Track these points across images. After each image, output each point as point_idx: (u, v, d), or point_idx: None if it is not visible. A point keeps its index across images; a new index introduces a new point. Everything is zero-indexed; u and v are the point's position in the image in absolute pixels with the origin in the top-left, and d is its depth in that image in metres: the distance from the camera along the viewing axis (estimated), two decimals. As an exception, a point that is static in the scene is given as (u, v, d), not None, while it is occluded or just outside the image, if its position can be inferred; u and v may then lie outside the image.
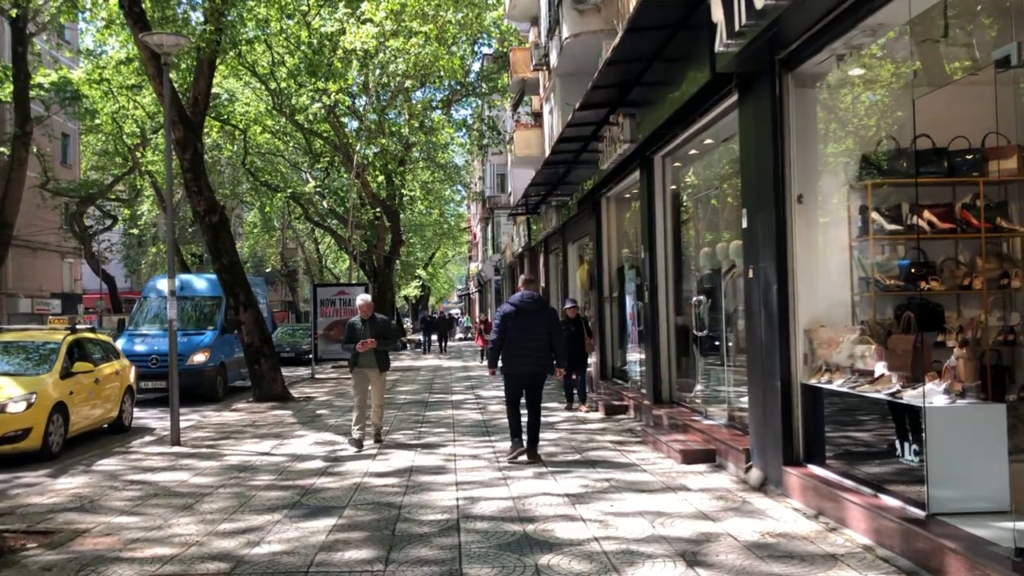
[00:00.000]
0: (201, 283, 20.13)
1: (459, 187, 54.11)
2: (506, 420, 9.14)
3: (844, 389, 6.23)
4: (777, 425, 6.76)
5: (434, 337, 36.48)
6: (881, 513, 5.30)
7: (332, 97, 29.25)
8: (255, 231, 62.04)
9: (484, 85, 37.91)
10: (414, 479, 7.98)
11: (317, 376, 22.39)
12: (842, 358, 6.54)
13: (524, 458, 8.62)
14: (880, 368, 6.08)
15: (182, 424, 11.13)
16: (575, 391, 12.93)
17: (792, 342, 6.73)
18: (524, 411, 8.87)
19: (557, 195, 18.23)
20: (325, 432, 11.48)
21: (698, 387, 10.28)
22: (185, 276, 20.70)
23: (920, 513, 5.11)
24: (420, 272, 67.37)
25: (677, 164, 11.07)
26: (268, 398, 16.01)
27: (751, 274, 7.25)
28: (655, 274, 11.00)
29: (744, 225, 7.41)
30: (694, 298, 9.76)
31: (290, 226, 55.21)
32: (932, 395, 5.28)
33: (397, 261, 59.53)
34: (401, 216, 51.71)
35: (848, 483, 6.02)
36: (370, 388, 10.14)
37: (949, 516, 4.98)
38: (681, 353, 10.97)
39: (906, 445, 5.47)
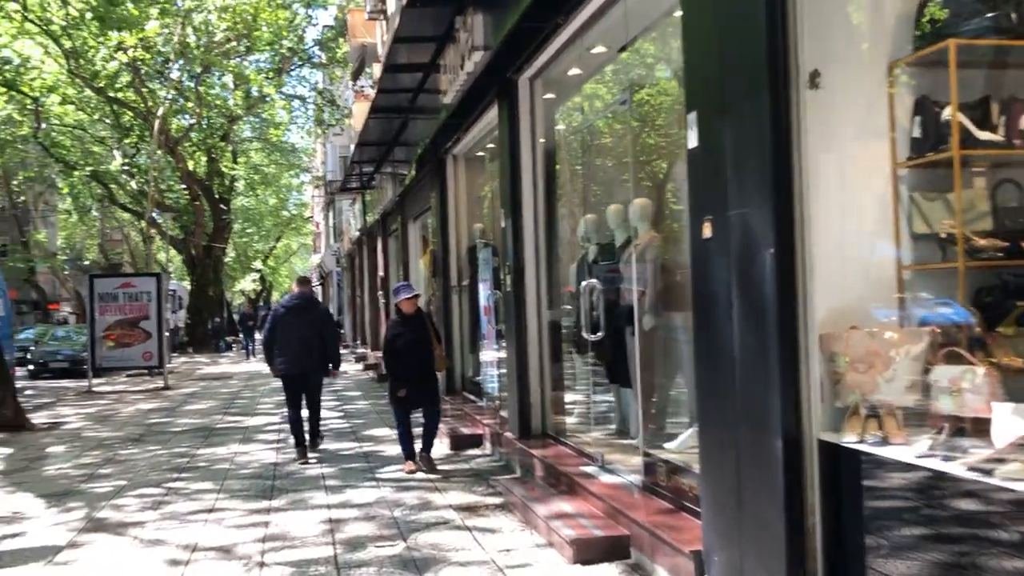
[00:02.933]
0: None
1: (299, 172, 49.39)
2: (304, 468, 8.12)
3: (934, 463, 2.98)
4: (773, 521, 3.46)
5: (258, 336, 31.07)
6: None
7: (131, 53, 24.50)
8: (70, 220, 55.34)
9: (322, 55, 33.75)
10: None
11: (96, 389, 17.79)
12: (897, 391, 3.31)
13: (302, 463, 8.32)
14: (1006, 417, 2.88)
15: None
16: (415, 440, 7.73)
17: (801, 358, 3.44)
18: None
19: (393, 160, 14.60)
20: (20, 493, 7.44)
21: (585, 415, 6.98)
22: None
23: None
24: (258, 265, 61.98)
25: (550, 93, 7.70)
26: (-8, 427, 11.64)
27: (708, 232, 3.91)
28: (521, 251, 7.61)
29: (692, 143, 4.06)
30: (583, 283, 6.39)
31: (112, 215, 48.98)
32: None
33: (230, 252, 54.26)
34: (232, 203, 46.76)
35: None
36: None
37: None
38: (559, 363, 7.64)
39: None
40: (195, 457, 8.95)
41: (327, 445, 9.38)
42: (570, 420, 7.47)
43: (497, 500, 6.43)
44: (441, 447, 8.56)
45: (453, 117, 9.71)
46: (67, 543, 5.73)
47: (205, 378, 20.54)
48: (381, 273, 18.95)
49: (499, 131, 8.17)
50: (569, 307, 7.38)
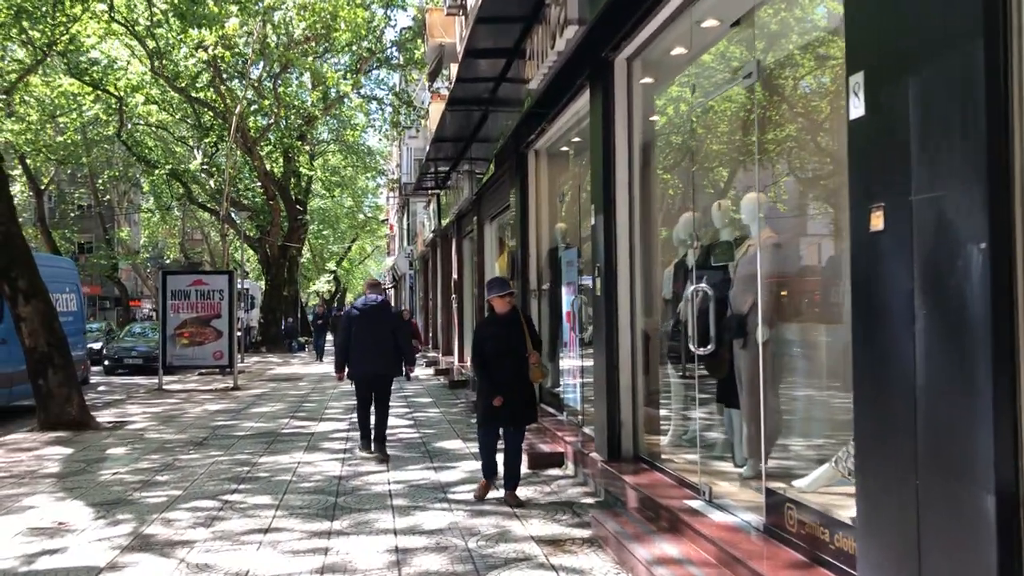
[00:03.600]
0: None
1: (375, 175, 49.48)
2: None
3: None
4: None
5: (330, 338, 30.81)
6: None
7: (211, 51, 24.53)
8: (153, 219, 56.57)
9: (399, 56, 33.54)
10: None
11: (167, 388, 17.61)
12: None
13: (367, 454, 8.76)
14: None
15: None
16: (502, 464, 6.71)
17: (1022, 387, 2.59)
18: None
19: (470, 158, 13.97)
20: (70, 500, 6.96)
21: (691, 438, 6.15)
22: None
23: None
24: (332, 266, 62.51)
25: (649, 77, 6.90)
26: (57, 425, 11.35)
27: (878, 224, 3.07)
28: (613, 250, 6.83)
29: (856, 112, 3.21)
30: (689, 289, 5.57)
31: (192, 214, 49.85)
32: None
33: (305, 253, 54.72)
34: (308, 204, 47.05)
35: None
36: None
37: None
38: (655, 378, 6.82)
39: None
40: (256, 466, 8.39)
41: (394, 452, 8.76)
42: (666, 443, 6.64)
43: (585, 533, 5.64)
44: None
45: (538, 107, 8.99)
46: (107, 564, 5.16)
47: (275, 379, 20.25)
48: (455, 276, 18.34)
49: (590, 119, 7.40)
50: (667, 315, 6.56)
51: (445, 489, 7.13)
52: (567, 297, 8.93)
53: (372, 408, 8.84)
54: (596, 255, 7.07)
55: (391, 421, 9.73)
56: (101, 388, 18.82)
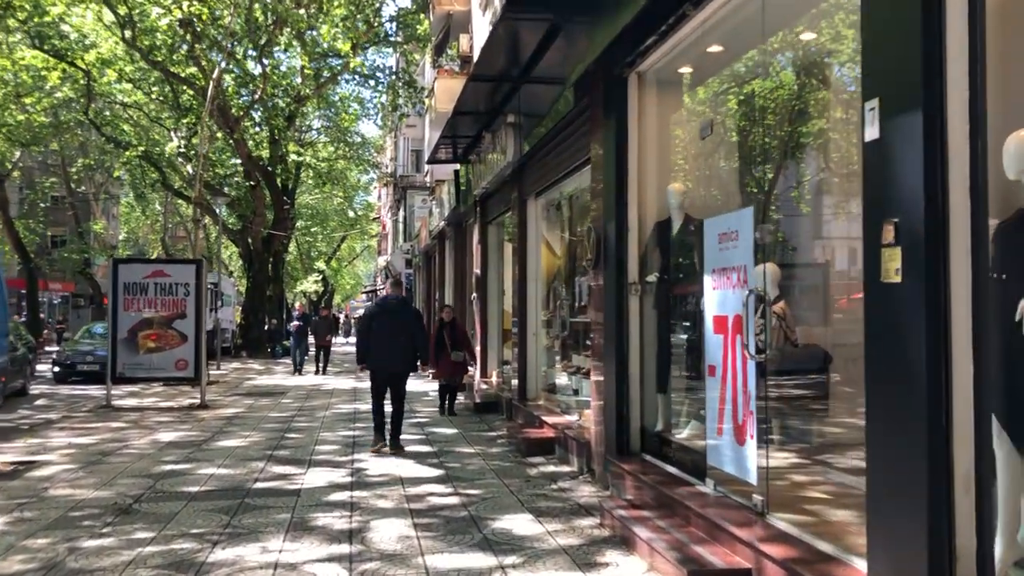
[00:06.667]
0: None
1: (368, 168, 46.06)
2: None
3: None
4: None
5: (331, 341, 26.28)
6: None
7: (186, 7, 21.09)
8: (133, 213, 53.25)
9: (400, 33, 30.13)
10: None
11: (118, 404, 14.09)
12: None
13: (387, 450, 9.10)
14: None
15: None
16: None
17: None
18: None
19: (513, 111, 10.52)
20: None
21: None
22: None
23: None
24: (320, 265, 59.02)
25: None
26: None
27: None
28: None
29: None
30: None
31: (176, 209, 46.33)
32: None
33: (292, 250, 51.10)
34: (297, 198, 43.57)
35: None
36: None
37: None
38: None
39: None
40: (201, 574, 4.94)
41: (432, 541, 5.32)
42: None
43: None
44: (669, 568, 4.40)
45: (649, 10, 5.61)
46: None
47: (254, 392, 16.75)
48: (477, 270, 14.89)
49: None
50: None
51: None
52: (715, 293, 5.49)
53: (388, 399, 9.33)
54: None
55: (413, 470, 6.57)
56: (40, 402, 15.27)
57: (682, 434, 6.47)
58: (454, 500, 6.81)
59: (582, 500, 6.75)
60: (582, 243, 8.74)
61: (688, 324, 6.59)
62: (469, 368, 12.70)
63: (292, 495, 7.05)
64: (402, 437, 9.42)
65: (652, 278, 6.81)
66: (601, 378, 7.21)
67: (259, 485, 7.48)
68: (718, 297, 5.43)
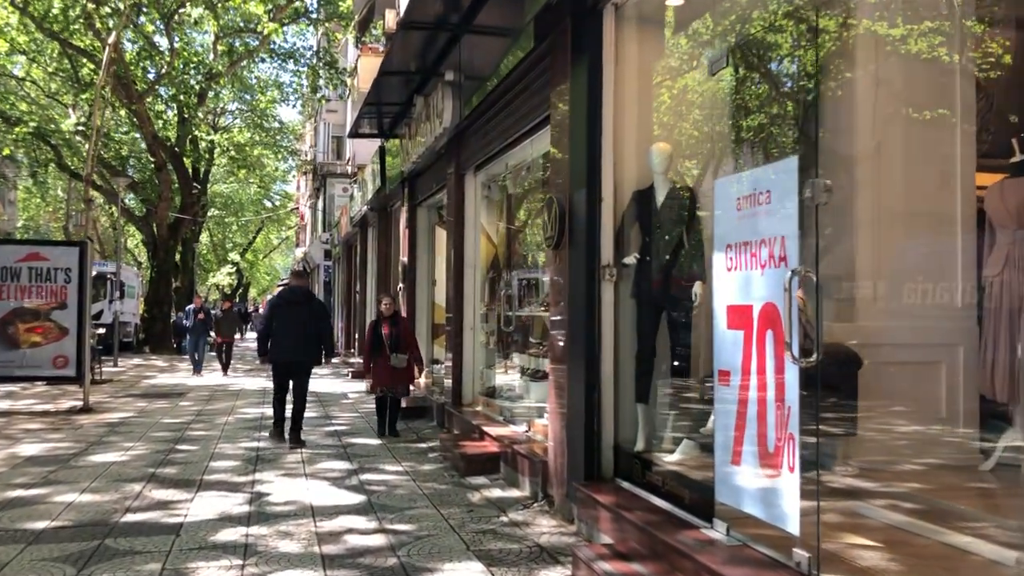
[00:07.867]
0: None
1: (286, 155, 43.86)
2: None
3: None
4: None
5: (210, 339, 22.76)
6: None
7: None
8: (33, 199, 49.74)
9: (321, 10, 28.34)
10: None
11: (-19, 408, 12.11)
12: None
13: (277, 442, 8.96)
14: None
15: None
16: None
17: None
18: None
19: (452, 67, 9.05)
20: None
21: None
22: None
23: None
24: (234, 256, 56.37)
25: None
26: None
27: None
28: None
29: None
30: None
31: (78, 195, 43.12)
32: None
33: (203, 239, 48.40)
34: (211, 187, 41.20)
35: None
36: None
37: None
38: None
39: None
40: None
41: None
42: None
43: None
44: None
45: None
46: None
47: (149, 393, 14.86)
48: (404, 258, 13.37)
49: None
50: None
51: None
52: (733, 276, 4.17)
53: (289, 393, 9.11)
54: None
55: (327, 495, 5.10)
56: None
57: (671, 457, 5.13)
58: (379, 540, 5.33)
59: (542, 539, 5.36)
60: (534, 221, 7.36)
61: (679, 316, 5.25)
62: (416, 375, 9.91)
63: (170, 532, 5.48)
64: (316, 451, 7.89)
65: (631, 260, 5.45)
66: (564, 383, 5.83)
67: (129, 518, 5.87)
68: (738, 281, 4.10)
